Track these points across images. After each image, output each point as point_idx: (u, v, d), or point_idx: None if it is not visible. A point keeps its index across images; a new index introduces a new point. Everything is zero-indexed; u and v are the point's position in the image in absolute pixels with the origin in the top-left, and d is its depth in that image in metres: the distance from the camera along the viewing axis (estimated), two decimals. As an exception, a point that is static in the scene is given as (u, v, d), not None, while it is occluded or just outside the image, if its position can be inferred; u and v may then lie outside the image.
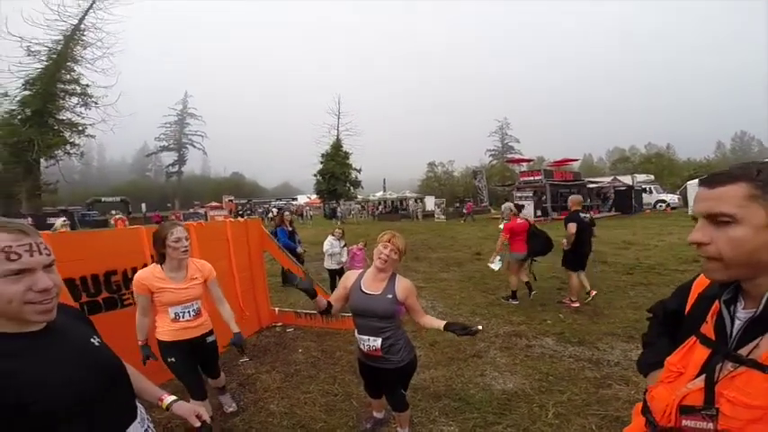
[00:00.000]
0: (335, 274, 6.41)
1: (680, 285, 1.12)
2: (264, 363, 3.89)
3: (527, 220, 5.85)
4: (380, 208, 36.79)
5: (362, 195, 42.68)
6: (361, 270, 2.37)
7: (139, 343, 2.40)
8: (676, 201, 25.09)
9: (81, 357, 0.95)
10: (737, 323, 0.83)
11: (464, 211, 26.69)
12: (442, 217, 28.03)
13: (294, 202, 48.69)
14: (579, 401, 2.93)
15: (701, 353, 0.87)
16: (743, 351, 0.79)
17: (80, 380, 0.90)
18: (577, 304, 5.38)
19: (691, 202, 19.14)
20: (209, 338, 2.58)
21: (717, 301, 0.88)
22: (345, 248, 6.52)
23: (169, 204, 51.74)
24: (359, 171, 40.27)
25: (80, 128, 25.18)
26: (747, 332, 0.80)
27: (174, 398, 1.28)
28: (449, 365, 3.63)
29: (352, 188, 40.08)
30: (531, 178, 23.57)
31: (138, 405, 1.10)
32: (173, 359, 2.41)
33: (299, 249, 7.06)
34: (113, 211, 23.76)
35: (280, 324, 5.05)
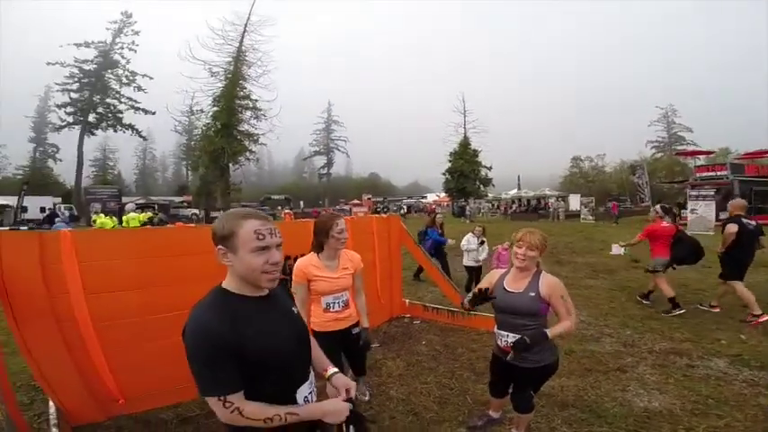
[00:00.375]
0: (472, 272, 6.53)
1: None
2: (391, 350, 4.13)
3: (675, 225, 5.54)
4: (514, 206, 34.79)
5: (494, 194, 40.99)
6: (506, 269, 2.37)
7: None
8: None
9: (288, 320, 1.25)
10: None
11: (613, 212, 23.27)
12: (590, 218, 24.86)
13: (423, 200, 50.04)
14: (740, 428, 2.45)
15: None
16: None
17: (287, 337, 1.19)
18: (765, 318, 4.42)
19: None
20: (355, 330, 2.58)
21: None
22: (485, 246, 6.55)
23: (321, 202, 59.18)
24: (489, 168, 38.80)
25: (255, 137, 30.82)
26: None
27: (336, 370, 1.38)
28: (584, 376, 3.37)
29: (482, 186, 38.86)
30: (713, 173, 19.06)
31: (311, 372, 1.32)
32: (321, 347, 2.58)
33: (451, 242, 7.36)
34: (279, 207, 28.66)
35: (408, 315, 5.34)
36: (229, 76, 29.78)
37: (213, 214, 22.39)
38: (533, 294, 2.11)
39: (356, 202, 45.03)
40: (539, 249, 2.15)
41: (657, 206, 5.83)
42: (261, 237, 1.12)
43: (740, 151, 29.88)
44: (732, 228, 4.76)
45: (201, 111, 30.81)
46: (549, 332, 2.04)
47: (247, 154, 30.67)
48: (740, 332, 4.25)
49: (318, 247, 2.44)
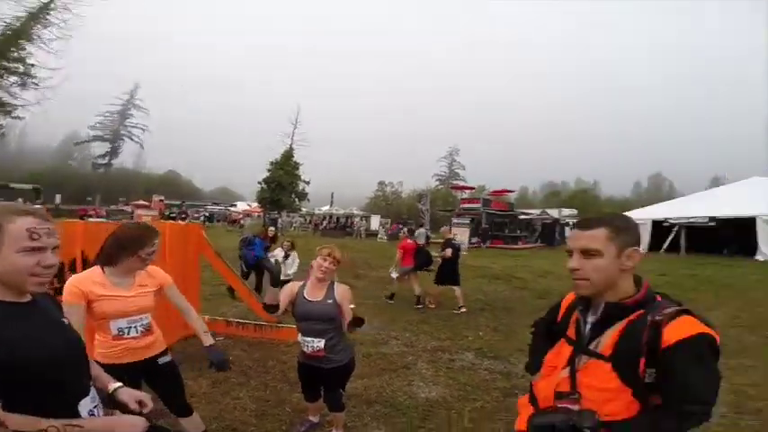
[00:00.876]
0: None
1: (551, 305, 1.47)
2: (193, 369, 3.74)
3: (415, 241, 7.80)
4: (325, 223, 36.53)
5: (308, 208, 41.96)
6: (302, 281, 2.55)
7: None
8: None
9: (55, 329, 1.13)
10: (588, 326, 1.16)
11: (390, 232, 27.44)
12: (384, 237, 28.59)
13: (233, 209, 46.61)
14: (490, 408, 3.31)
15: (567, 350, 1.19)
16: (591, 346, 1.12)
17: (54, 346, 1.08)
18: (464, 309, 6.70)
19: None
20: (163, 359, 2.13)
21: (576, 311, 1.23)
22: (293, 260, 6.61)
23: (89, 198, 46.88)
24: (307, 183, 39.50)
25: (8, 108, 22.28)
26: (594, 332, 1.13)
27: (119, 384, 1.35)
28: (380, 375, 3.89)
29: (297, 200, 39.13)
30: (471, 206, 24.99)
31: (92, 386, 1.22)
32: None
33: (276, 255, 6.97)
34: (20, 199, 21.06)
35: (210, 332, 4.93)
36: (8, 32, 20.92)
37: None
38: (331, 302, 2.40)
39: (142, 202, 37.84)
40: (339, 264, 2.48)
41: (405, 229, 8.12)
42: (35, 236, 1.02)
43: (491, 189, 39.65)
44: (449, 252, 6.85)
45: None
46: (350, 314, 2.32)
47: (-13, 126, 21.75)
48: (479, 330, 5.69)
49: (107, 260, 1.95)
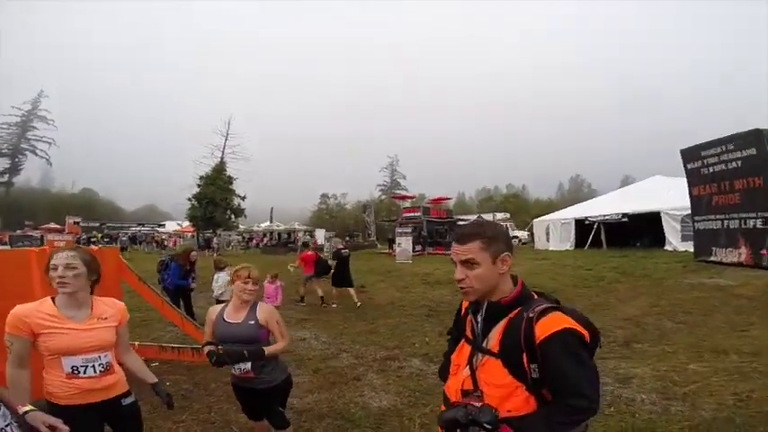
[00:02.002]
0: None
1: (457, 310, 1.49)
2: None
3: (315, 252, 9.34)
4: (266, 239, 35.17)
5: (246, 225, 40.04)
6: (222, 305, 2.48)
7: (22, 409, 1.46)
8: (526, 236, 28.90)
9: None
10: (479, 325, 1.23)
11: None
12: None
13: (161, 229, 43.13)
14: (438, 411, 3.38)
15: (467, 349, 1.26)
16: (483, 344, 1.19)
17: None
18: (336, 305, 8.15)
19: (536, 238, 23.06)
20: (126, 400, 1.95)
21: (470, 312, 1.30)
22: (220, 281, 6.20)
23: (-16, 222, 40.68)
24: (243, 198, 37.46)
25: None
26: (484, 330, 1.21)
27: (29, 408, 1.33)
28: (331, 389, 3.83)
29: (233, 216, 36.96)
30: (412, 214, 25.54)
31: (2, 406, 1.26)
32: (68, 426, 1.71)
33: (193, 285, 6.74)
34: None
35: (141, 358, 4.53)
36: None
37: None
38: (253, 323, 2.33)
39: (54, 226, 33.76)
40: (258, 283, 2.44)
41: (303, 240, 8.91)
42: None
43: (431, 197, 40.79)
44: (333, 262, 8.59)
45: None
46: (267, 350, 2.28)
47: None
48: (425, 336, 5.81)
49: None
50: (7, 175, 47.77)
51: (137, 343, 4.71)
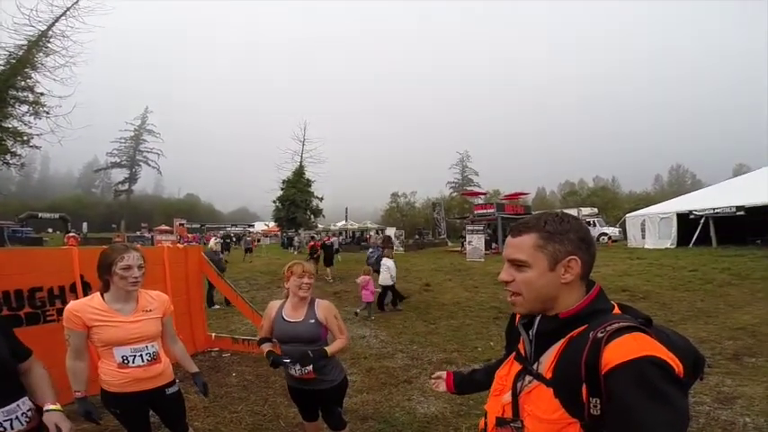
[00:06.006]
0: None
1: (511, 315, 1.20)
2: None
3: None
4: (341, 238, 36.66)
5: (323, 225, 42.24)
6: (281, 301, 2.42)
7: (77, 395, 1.86)
8: (617, 233, 25.47)
9: None
10: (532, 342, 0.96)
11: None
12: (401, 249, 28.39)
13: (251, 229, 47.41)
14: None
15: (516, 368, 0.98)
16: (534, 366, 0.91)
17: None
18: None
19: (630, 235, 20.60)
20: (171, 390, 2.10)
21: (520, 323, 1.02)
22: None
23: (114, 225, 48.48)
24: (320, 199, 39.79)
25: (25, 137, 23.46)
26: (537, 350, 0.93)
27: (53, 407, 1.40)
28: (380, 390, 3.76)
29: (312, 217, 39.46)
30: (485, 211, 24.51)
31: (19, 402, 1.36)
32: (117, 411, 1.99)
33: None
34: (49, 229, 21.94)
35: (216, 349, 4.98)
36: (12, 60, 22.25)
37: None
38: (313, 321, 2.25)
39: (164, 227, 38.93)
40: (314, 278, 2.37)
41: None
42: None
43: (506, 193, 38.16)
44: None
45: None
46: (328, 349, 2.22)
47: (7, 157, 22.86)
48: (490, 340, 5.48)
49: (105, 286, 1.95)
50: (127, 184, 56.14)
51: (213, 334, 5.19)
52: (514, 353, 1.03)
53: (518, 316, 1.07)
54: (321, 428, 2.62)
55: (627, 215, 22.22)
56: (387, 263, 7.69)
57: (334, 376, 2.29)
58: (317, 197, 39.32)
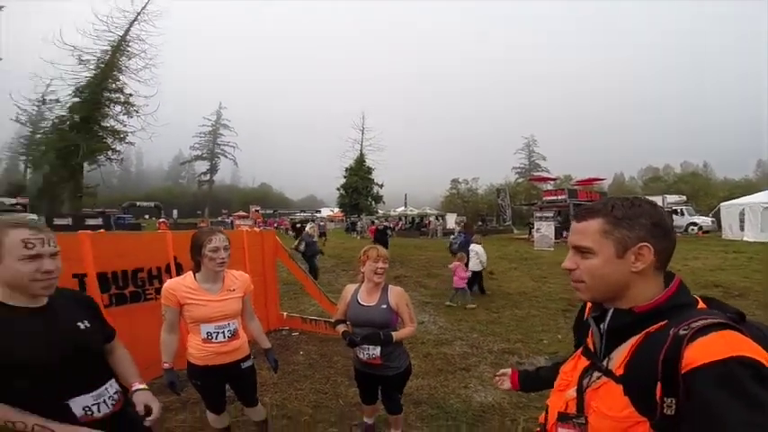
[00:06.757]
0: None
1: (580, 308, 1.16)
2: (266, 361, 4.15)
3: (376, 227, 9.96)
4: (400, 224, 36.95)
5: (383, 210, 42.98)
6: (356, 285, 2.47)
7: (165, 366, 2.07)
8: (709, 223, 22.81)
9: (60, 332, 1.26)
10: (603, 336, 0.91)
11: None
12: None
13: (318, 215, 49.74)
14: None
15: (583, 363, 0.96)
16: (604, 362, 0.88)
17: (48, 346, 1.21)
18: None
19: (725, 226, 18.23)
20: (245, 364, 2.27)
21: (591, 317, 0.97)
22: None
23: (199, 212, 53.81)
24: (381, 186, 40.68)
25: (122, 135, 26.77)
26: (608, 345, 0.89)
27: (141, 387, 1.43)
28: (436, 376, 3.80)
29: (373, 203, 40.45)
30: (555, 197, 23.04)
31: (107, 385, 1.36)
32: (198, 382, 2.20)
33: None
34: (146, 216, 24.94)
35: (287, 328, 5.35)
36: (102, 65, 25.52)
37: (57, 221, 18.40)
38: (385, 307, 2.31)
39: (241, 213, 42.20)
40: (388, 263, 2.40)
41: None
42: (30, 245, 1.17)
43: (579, 178, 35.68)
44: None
45: (57, 101, 25.57)
46: (395, 334, 2.28)
47: (109, 153, 26.39)
48: (558, 333, 5.24)
49: (196, 266, 2.15)
50: (209, 175, 61.67)
51: (285, 314, 5.59)
52: (582, 348, 1.01)
53: (588, 309, 1.04)
54: (377, 410, 2.72)
55: (721, 204, 20.04)
56: (476, 248, 7.52)
57: (399, 363, 2.36)
58: (378, 184, 40.33)
